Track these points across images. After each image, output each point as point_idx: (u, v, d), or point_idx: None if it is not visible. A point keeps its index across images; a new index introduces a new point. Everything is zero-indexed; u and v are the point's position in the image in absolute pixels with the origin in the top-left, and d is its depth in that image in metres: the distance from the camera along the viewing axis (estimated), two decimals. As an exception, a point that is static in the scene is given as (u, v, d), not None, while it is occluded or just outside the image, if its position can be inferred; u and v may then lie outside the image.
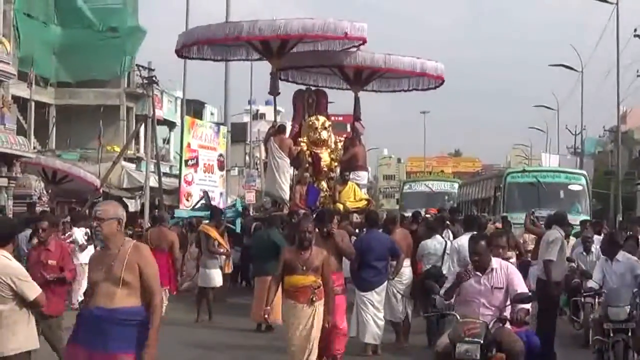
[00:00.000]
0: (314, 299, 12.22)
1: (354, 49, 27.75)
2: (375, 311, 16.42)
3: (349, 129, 34.58)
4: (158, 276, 8.92)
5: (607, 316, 14.03)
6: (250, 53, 30.15)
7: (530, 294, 11.64)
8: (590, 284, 15.43)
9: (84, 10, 53.98)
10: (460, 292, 11.24)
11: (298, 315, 12.25)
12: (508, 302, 11.21)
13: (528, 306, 11.16)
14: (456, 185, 55.54)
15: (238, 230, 27.10)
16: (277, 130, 26.13)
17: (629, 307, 14.34)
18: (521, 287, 11.23)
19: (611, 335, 13.82)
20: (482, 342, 10.28)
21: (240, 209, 30.48)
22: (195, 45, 29.16)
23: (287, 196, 25.36)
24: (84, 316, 8.79)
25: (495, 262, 11.39)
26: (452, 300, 11.44)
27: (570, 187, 36.65)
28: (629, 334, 13.94)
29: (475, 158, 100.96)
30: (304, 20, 26.25)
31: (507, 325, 11.12)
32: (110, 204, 9.57)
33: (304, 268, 12.21)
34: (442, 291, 11.56)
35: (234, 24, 28.05)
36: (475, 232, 15.44)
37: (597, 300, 16.43)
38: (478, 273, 11.18)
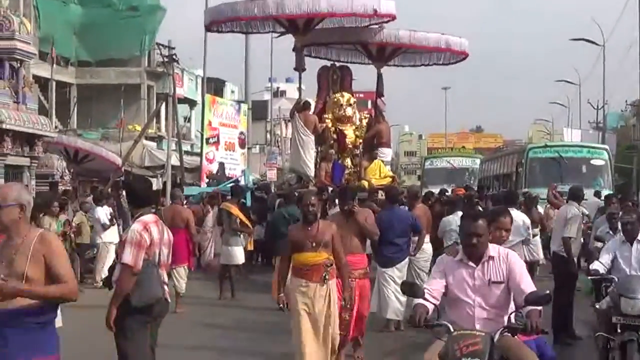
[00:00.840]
0: (327, 277, 11.17)
1: (378, 26, 27.94)
2: (396, 287, 15.85)
3: (369, 106, 34.60)
4: (68, 264, 7.42)
5: (617, 308, 11.48)
6: (275, 27, 30.29)
7: (547, 292, 8.35)
8: (596, 265, 12.97)
9: (104, -10, 54.32)
10: (448, 290, 8.46)
11: (311, 295, 11.14)
12: (512, 306, 8.54)
13: (540, 307, 8.27)
14: (478, 161, 55.42)
15: (248, 203, 27.34)
16: (302, 106, 25.99)
17: None
18: (526, 281, 8.34)
19: (618, 331, 11.42)
20: None
21: (248, 182, 30.77)
22: (226, 22, 29.40)
23: (312, 173, 25.18)
24: None
25: (493, 249, 8.59)
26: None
27: (592, 161, 36.55)
28: None
29: (496, 134, 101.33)
30: None
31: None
32: (11, 186, 8.25)
33: (314, 244, 11.10)
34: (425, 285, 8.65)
35: (261, 1, 27.51)
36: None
37: None
38: (471, 263, 8.41)
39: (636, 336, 11.21)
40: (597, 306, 12.87)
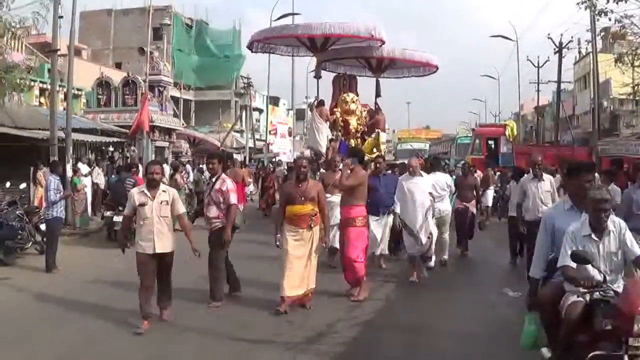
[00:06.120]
0: (312, 225, 9.28)
1: (377, 45, 24.16)
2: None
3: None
4: None
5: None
6: (301, 50, 26.64)
7: None
8: None
9: (210, 46, 54.93)
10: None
11: (299, 238, 9.26)
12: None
13: None
14: (428, 145, 55.46)
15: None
16: (318, 103, 23.33)
17: None
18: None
19: None
20: None
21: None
22: (265, 40, 25.40)
23: (323, 150, 22.14)
24: None
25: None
26: None
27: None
28: None
29: (438, 130, 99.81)
30: (342, 23, 22.96)
31: None
32: None
33: (302, 198, 9.28)
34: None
35: (292, 25, 25.79)
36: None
37: None
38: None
39: None
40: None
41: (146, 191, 8.50)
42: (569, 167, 6.40)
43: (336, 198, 11.62)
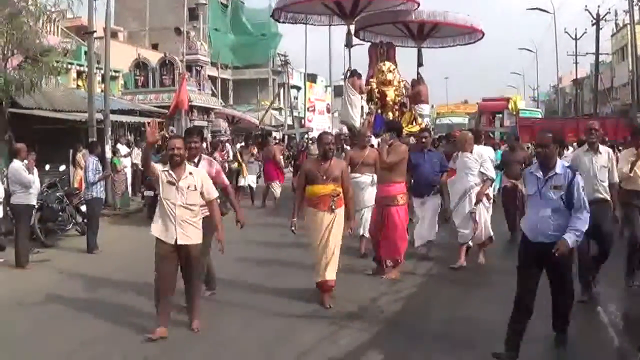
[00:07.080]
0: (333, 206, 8.18)
1: (415, 7, 22.20)
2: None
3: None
4: None
5: None
6: (334, 19, 24.61)
7: None
8: None
9: (246, 24, 54.63)
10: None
11: (319, 221, 8.23)
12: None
13: None
14: (467, 119, 55.24)
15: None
16: (350, 74, 21.37)
17: None
18: None
19: None
20: None
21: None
22: (290, 7, 23.38)
23: (357, 124, 20.22)
24: None
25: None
26: None
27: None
28: None
29: (476, 104, 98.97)
30: None
31: None
32: None
33: (324, 177, 8.18)
34: None
35: None
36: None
37: None
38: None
39: None
40: None
41: (171, 171, 6.94)
42: None
43: (366, 178, 10.99)
